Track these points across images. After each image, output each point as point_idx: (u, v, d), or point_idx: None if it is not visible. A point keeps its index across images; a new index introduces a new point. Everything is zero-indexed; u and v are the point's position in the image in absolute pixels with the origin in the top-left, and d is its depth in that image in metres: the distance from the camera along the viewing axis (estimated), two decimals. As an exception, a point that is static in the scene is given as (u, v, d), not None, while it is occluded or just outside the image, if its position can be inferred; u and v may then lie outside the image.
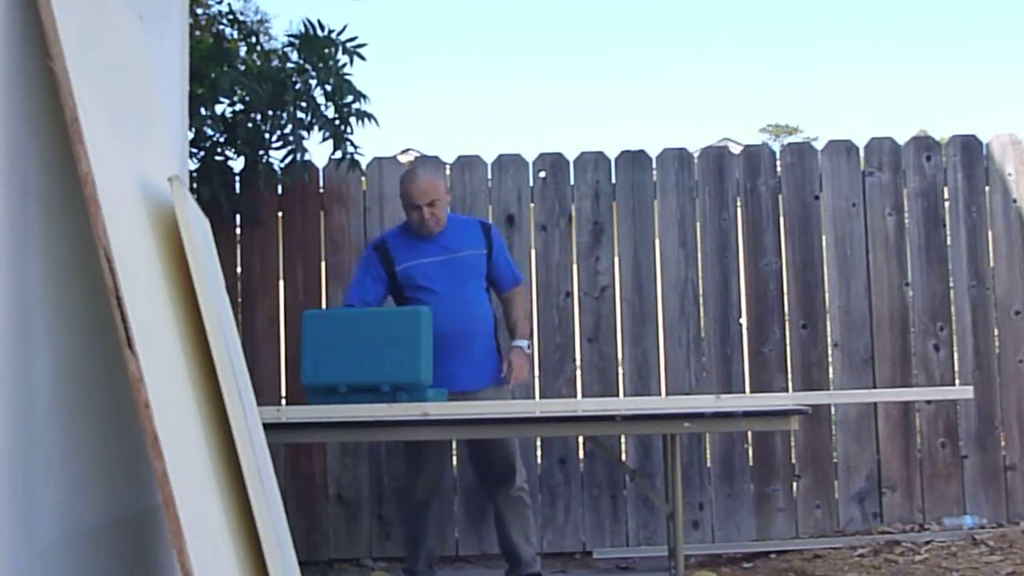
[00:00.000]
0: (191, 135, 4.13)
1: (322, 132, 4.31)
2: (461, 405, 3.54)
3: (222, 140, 4.47)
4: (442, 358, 3.69)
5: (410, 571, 3.93)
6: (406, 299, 3.86)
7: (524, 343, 3.97)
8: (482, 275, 3.94)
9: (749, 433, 4.58)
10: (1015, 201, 4.77)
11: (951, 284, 4.74)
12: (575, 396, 4.57)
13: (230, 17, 4.69)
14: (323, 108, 4.34)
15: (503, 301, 4.07)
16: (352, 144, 4.37)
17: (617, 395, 4.59)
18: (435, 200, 3.82)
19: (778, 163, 4.80)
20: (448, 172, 4.76)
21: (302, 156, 4.40)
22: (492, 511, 4.01)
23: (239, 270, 4.63)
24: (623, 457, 4.56)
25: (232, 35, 4.70)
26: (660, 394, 4.59)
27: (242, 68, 4.42)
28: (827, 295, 4.70)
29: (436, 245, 3.87)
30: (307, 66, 4.35)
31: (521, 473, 3.95)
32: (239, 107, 4.43)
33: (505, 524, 3.91)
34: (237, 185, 4.60)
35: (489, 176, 4.70)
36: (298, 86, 4.33)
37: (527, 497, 3.95)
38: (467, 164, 4.73)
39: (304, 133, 4.35)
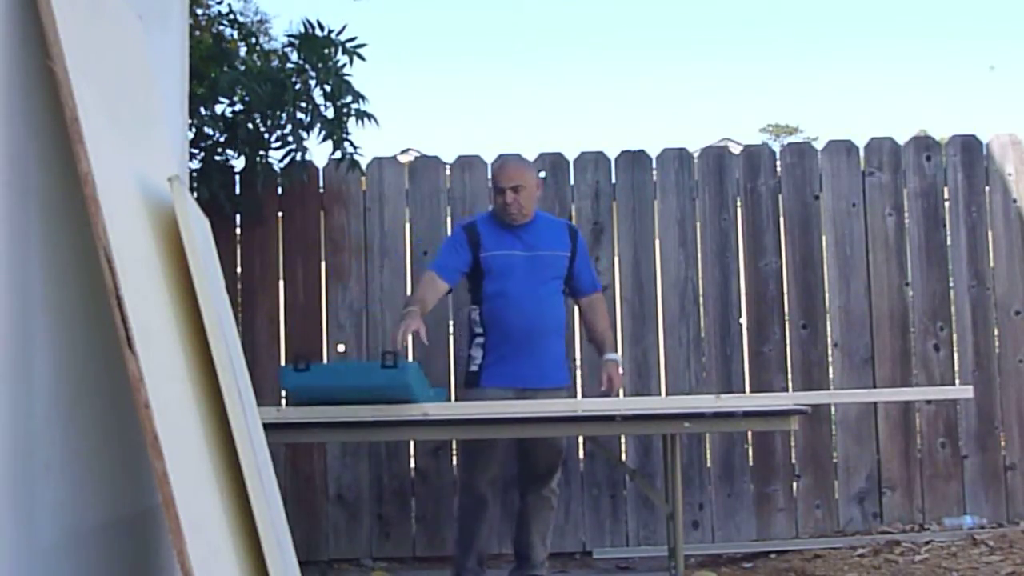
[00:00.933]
0: (191, 135, 4.13)
1: (322, 132, 4.32)
2: (462, 405, 3.54)
3: (222, 140, 4.47)
4: (511, 354, 3.74)
5: (459, 568, 3.87)
6: (482, 287, 3.85)
7: (617, 356, 4.03)
8: (561, 276, 3.92)
9: (749, 433, 4.58)
10: (1015, 201, 4.77)
11: (951, 284, 4.74)
12: (575, 396, 4.56)
13: (230, 17, 4.69)
14: (322, 108, 4.34)
15: (582, 307, 4.05)
16: (352, 144, 4.37)
17: (617, 395, 4.58)
18: (519, 186, 3.82)
19: (778, 163, 4.80)
20: (448, 172, 4.76)
21: (302, 156, 4.40)
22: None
23: (239, 270, 4.63)
24: (623, 457, 4.56)
25: (232, 35, 4.70)
26: (660, 394, 4.59)
27: (242, 68, 4.43)
28: (827, 295, 4.70)
29: (521, 240, 3.86)
30: (307, 66, 4.35)
31: (557, 475, 3.94)
32: (239, 107, 4.44)
33: (527, 522, 3.89)
34: (237, 185, 4.60)
35: (489, 176, 4.70)
36: (298, 86, 4.33)
37: (555, 500, 3.94)
38: (467, 164, 4.73)
39: (304, 133, 4.35)
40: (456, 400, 4.22)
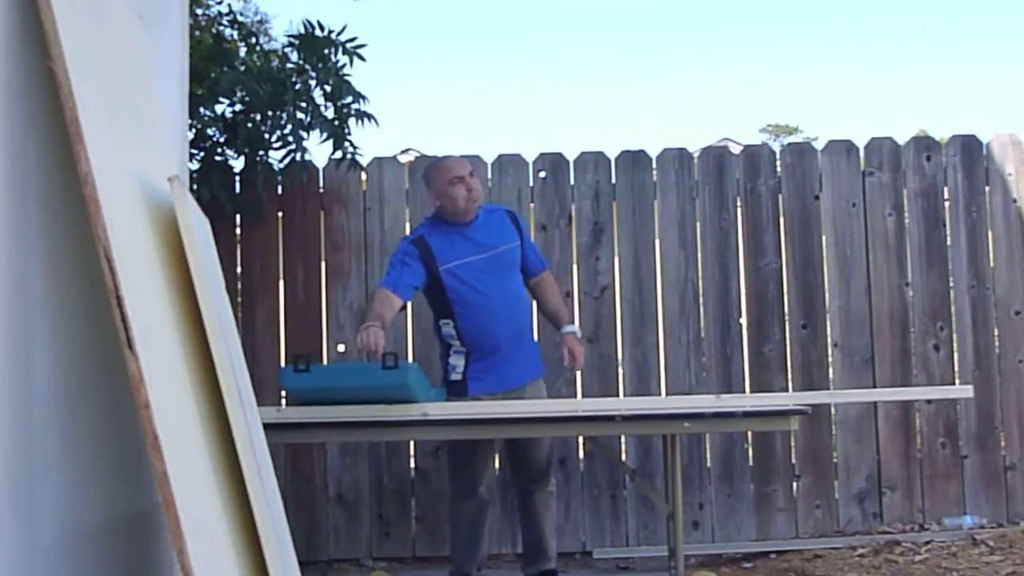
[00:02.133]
0: (191, 135, 4.13)
1: (322, 132, 4.32)
2: (462, 406, 3.54)
3: (222, 140, 4.47)
4: (496, 361, 3.71)
5: (461, 574, 3.86)
6: (448, 300, 3.74)
7: (574, 328, 3.91)
8: (517, 267, 3.88)
9: (749, 433, 4.58)
10: (1015, 201, 4.77)
11: (951, 284, 4.74)
12: (575, 396, 4.56)
13: (230, 18, 4.69)
14: (323, 108, 4.34)
15: (533, 288, 3.94)
16: (352, 144, 4.37)
17: (617, 395, 4.59)
18: (472, 171, 3.78)
19: (778, 163, 4.80)
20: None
21: (302, 156, 4.40)
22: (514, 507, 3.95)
23: (239, 270, 4.63)
24: (623, 457, 4.55)
25: (232, 35, 4.70)
26: (660, 394, 4.59)
27: (242, 68, 4.43)
28: (827, 295, 4.70)
29: (474, 242, 3.77)
30: (307, 66, 4.35)
31: (551, 473, 3.94)
32: (239, 107, 4.44)
33: (538, 519, 3.86)
34: (237, 185, 4.60)
35: (489, 176, 4.70)
36: (298, 86, 4.33)
37: (554, 498, 3.94)
38: (467, 164, 4.72)
39: (304, 133, 4.35)
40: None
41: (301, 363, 3.30)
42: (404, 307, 3.87)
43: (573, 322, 4.05)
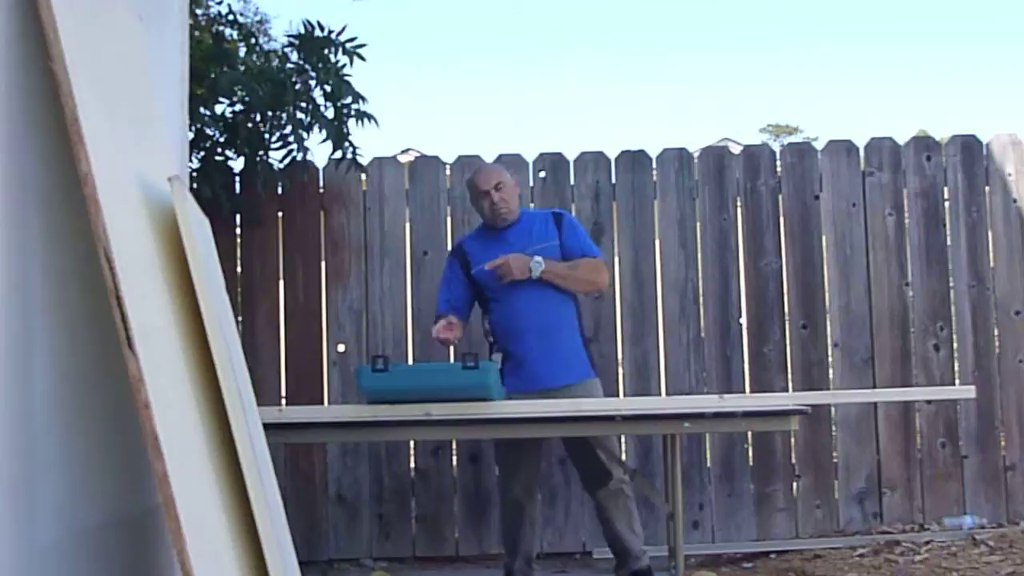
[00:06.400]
0: (191, 135, 4.13)
1: (322, 132, 4.31)
2: (461, 406, 3.53)
3: (222, 140, 4.47)
4: (525, 358, 3.73)
5: (508, 569, 3.87)
6: (487, 299, 3.86)
7: (539, 260, 3.72)
8: None
9: (749, 433, 4.58)
10: (1015, 201, 4.77)
11: (951, 284, 4.74)
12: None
13: (230, 18, 4.68)
14: (323, 109, 4.34)
15: None
16: (352, 144, 4.37)
17: (617, 395, 4.59)
18: (500, 183, 3.83)
19: (778, 163, 4.80)
20: (448, 172, 4.76)
21: (302, 156, 4.40)
22: (510, 510, 3.90)
23: (239, 270, 4.63)
24: (623, 457, 4.55)
25: (232, 36, 4.69)
26: (660, 394, 4.59)
27: (242, 68, 4.42)
28: (827, 295, 4.70)
29: (506, 244, 3.82)
30: (307, 67, 4.35)
31: (619, 467, 3.87)
32: (239, 107, 4.43)
33: (608, 519, 3.83)
34: (237, 185, 4.60)
35: (489, 176, 4.69)
36: (298, 86, 4.33)
37: (628, 489, 3.85)
38: (467, 164, 4.72)
39: (304, 133, 4.35)
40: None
41: (379, 363, 3.31)
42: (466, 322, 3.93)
43: (555, 266, 3.75)
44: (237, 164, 4.58)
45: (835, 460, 4.66)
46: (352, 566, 4.49)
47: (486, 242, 3.88)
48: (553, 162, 4.74)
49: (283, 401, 4.53)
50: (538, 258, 3.74)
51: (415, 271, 4.65)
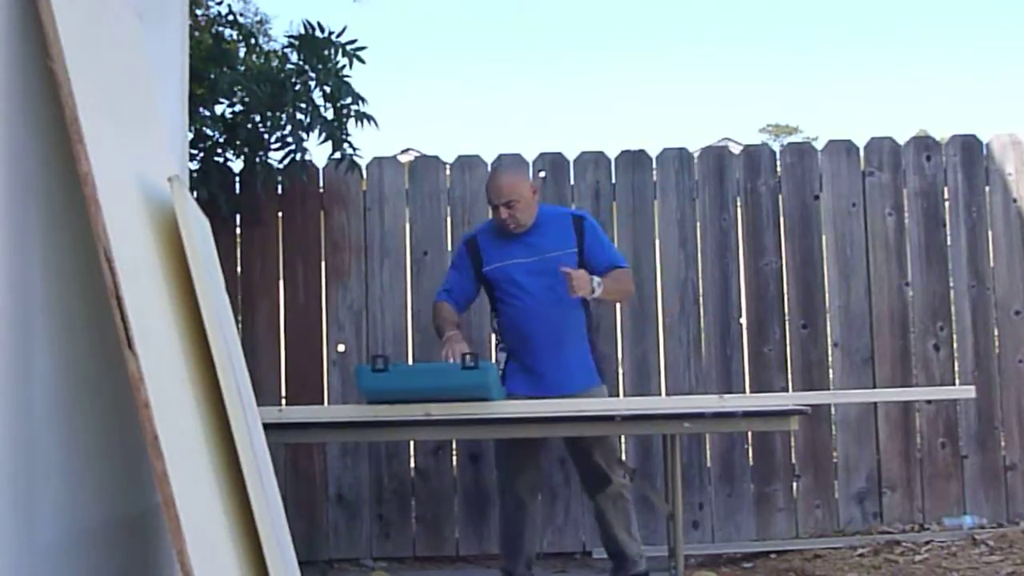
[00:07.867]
0: (191, 135, 4.13)
1: (321, 133, 4.31)
2: (461, 406, 3.53)
3: (222, 140, 4.47)
4: (531, 362, 3.71)
5: (507, 572, 3.84)
6: (496, 299, 3.82)
7: (599, 280, 3.65)
8: None
9: (749, 433, 4.58)
10: (1015, 201, 4.77)
11: (951, 284, 4.74)
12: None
13: (230, 18, 4.69)
14: (322, 109, 4.34)
15: None
16: (351, 145, 4.37)
17: (617, 395, 4.58)
18: (513, 201, 3.68)
19: (778, 163, 4.80)
20: (448, 172, 4.76)
21: (302, 156, 4.40)
22: (525, 511, 3.85)
23: (239, 270, 4.63)
24: (623, 457, 4.55)
25: (232, 36, 4.69)
26: (660, 394, 4.59)
27: (242, 69, 4.42)
28: (827, 295, 4.70)
29: (524, 245, 3.75)
30: (306, 67, 4.35)
31: (619, 469, 3.85)
32: (239, 108, 4.44)
33: (606, 522, 3.81)
34: (237, 185, 4.60)
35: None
36: (298, 87, 4.33)
37: (627, 493, 3.83)
38: (467, 164, 4.73)
39: (303, 134, 4.35)
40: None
41: (379, 363, 3.27)
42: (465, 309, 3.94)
43: (601, 286, 3.68)
44: (237, 164, 4.58)
45: (835, 460, 4.66)
46: (352, 566, 4.49)
47: (501, 241, 3.79)
48: (553, 162, 4.74)
49: (283, 401, 4.53)
50: (598, 279, 3.66)
51: (415, 271, 4.65)
